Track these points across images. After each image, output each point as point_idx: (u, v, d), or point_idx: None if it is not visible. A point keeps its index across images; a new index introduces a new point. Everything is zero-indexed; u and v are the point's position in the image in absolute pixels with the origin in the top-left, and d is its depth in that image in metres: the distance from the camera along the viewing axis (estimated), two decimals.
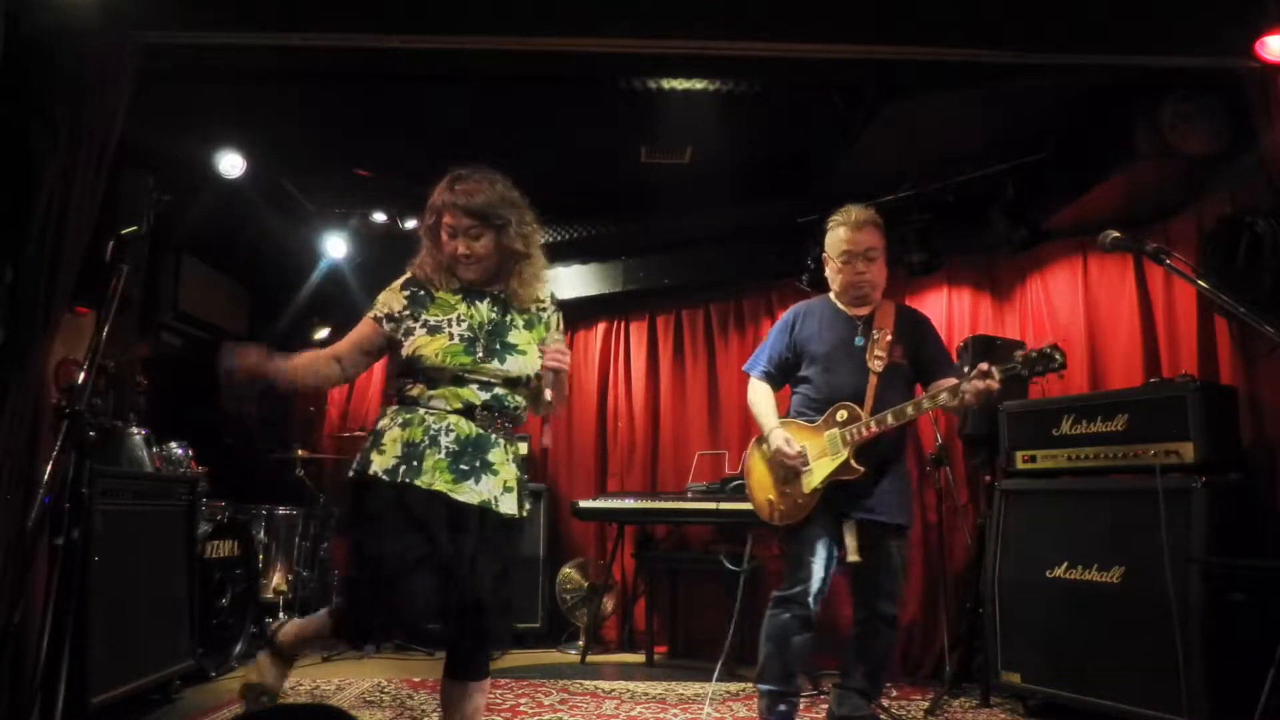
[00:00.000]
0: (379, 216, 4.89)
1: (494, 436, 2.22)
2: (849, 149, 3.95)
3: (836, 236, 3.02)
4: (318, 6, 2.88)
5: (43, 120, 2.67)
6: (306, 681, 4.03)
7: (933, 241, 4.24)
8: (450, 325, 2.22)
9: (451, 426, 2.16)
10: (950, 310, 4.58)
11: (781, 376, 3.12)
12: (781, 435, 2.94)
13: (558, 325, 2.39)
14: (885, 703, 3.68)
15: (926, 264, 4.25)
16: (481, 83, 3.60)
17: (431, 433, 2.14)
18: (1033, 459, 3.61)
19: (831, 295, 3.11)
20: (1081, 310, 4.13)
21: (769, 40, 2.93)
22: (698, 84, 3.57)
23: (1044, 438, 3.57)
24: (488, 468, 2.18)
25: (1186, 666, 2.81)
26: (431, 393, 2.19)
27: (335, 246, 5.10)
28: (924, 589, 4.35)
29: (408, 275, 2.33)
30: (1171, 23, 2.86)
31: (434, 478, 2.10)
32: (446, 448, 2.14)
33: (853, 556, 2.89)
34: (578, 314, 5.79)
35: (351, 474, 2.20)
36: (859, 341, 2.98)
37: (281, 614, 4.61)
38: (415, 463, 2.11)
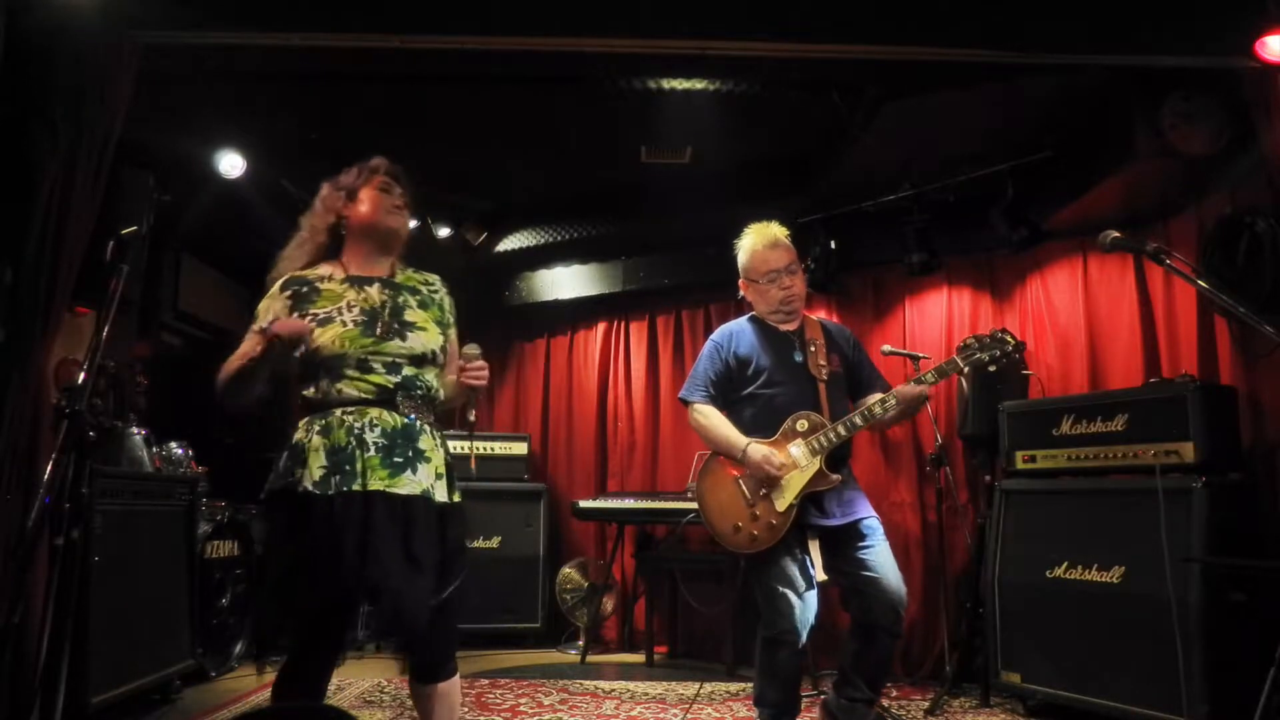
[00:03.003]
0: None
1: (419, 423, 2.12)
2: (849, 149, 3.95)
3: (759, 258, 2.99)
4: (318, 6, 2.88)
5: (43, 120, 2.67)
6: None
7: (933, 241, 4.24)
8: (340, 313, 2.11)
9: (375, 421, 2.05)
10: (950, 310, 4.57)
11: (721, 398, 3.01)
12: (760, 449, 2.81)
13: (451, 309, 2.31)
14: (885, 703, 3.68)
15: (926, 264, 4.25)
16: (481, 83, 3.60)
17: (355, 432, 2.03)
18: (1033, 459, 3.61)
19: (756, 314, 3.08)
20: (1081, 310, 4.13)
21: (769, 40, 2.93)
22: (698, 84, 3.57)
23: (1044, 438, 3.57)
24: (420, 456, 2.09)
25: (1186, 666, 2.81)
26: (338, 385, 2.07)
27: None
28: (924, 589, 4.35)
29: (285, 277, 2.19)
30: (1171, 23, 2.85)
31: (369, 478, 2.01)
32: (375, 444, 2.03)
33: (820, 576, 2.82)
34: (578, 314, 5.81)
35: (271, 490, 2.06)
36: (798, 356, 2.95)
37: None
38: (347, 467, 2.00)
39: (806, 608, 2.79)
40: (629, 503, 4.82)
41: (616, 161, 4.47)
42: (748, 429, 2.91)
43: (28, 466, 2.56)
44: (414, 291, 2.26)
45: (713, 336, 3.11)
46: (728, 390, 3.01)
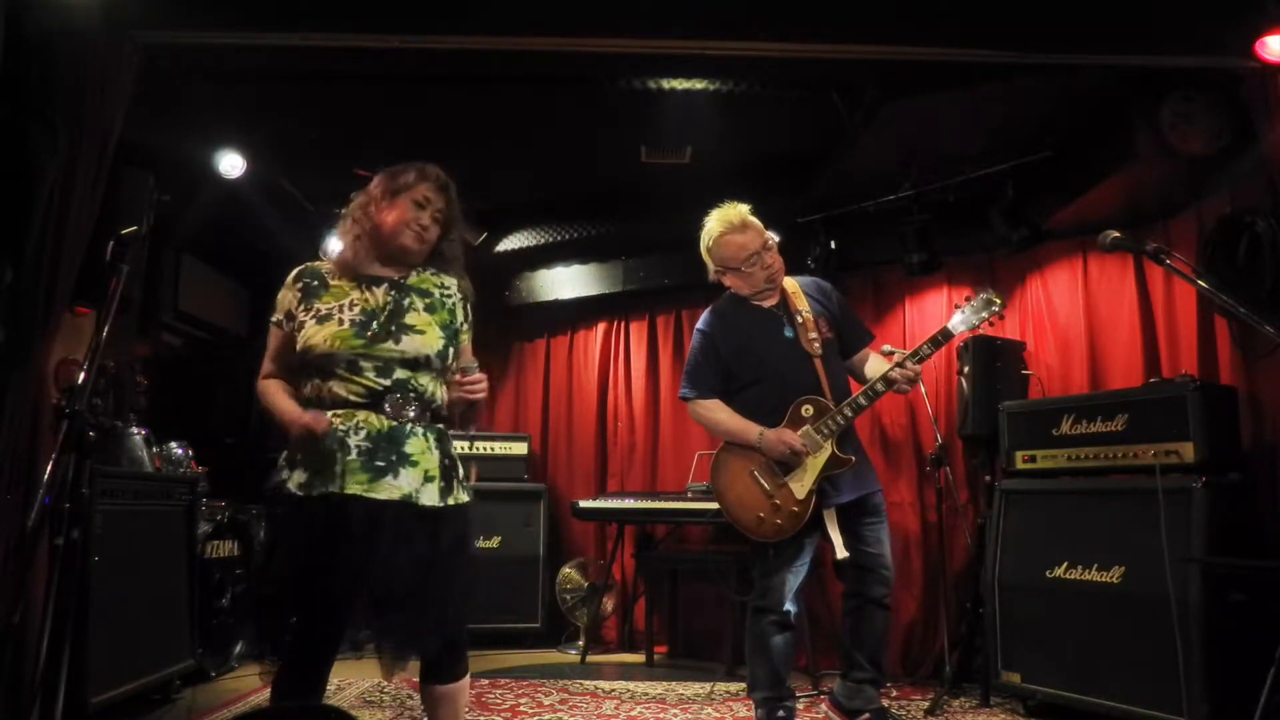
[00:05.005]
0: None
1: (409, 426, 2.09)
2: (849, 149, 3.95)
3: (734, 245, 2.97)
4: (318, 6, 2.88)
5: (43, 120, 2.67)
6: None
7: (933, 241, 4.24)
8: (340, 311, 2.12)
9: (361, 424, 2.05)
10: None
11: (722, 390, 3.01)
12: (775, 433, 2.83)
13: (466, 313, 2.28)
14: (885, 703, 3.67)
15: (926, 264, 4.25)
16: (481, 83, 3.60)
17: (339, 434, 2.03)
18: (1033, 459, 3.61)
19: (735, 295, 3.07)
20: (1081, 310, 4.12)
21: (769, 40, 2.93)
22: (698, 84, 3.56)
23: (1044, 438, 3.57)
24: (405, 460, 2.06)
25: (1186, 666, 2.81)
26: (328, 384, 2.08)
27: (335, 247, 5.09)
28: (924, 589, 4.35)
29: (300, 267, 2.23)
30: (1171, 23, 2.86)
31: (346, 481, 2.00)
32: (357, 447, 2.02)
33: (841, 553, 2.85)
34: (578, 314, 5.81)
35: (268, 489, 2.10)
36: (788, 333, 2.95)
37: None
38: (327, 470, 2.01)
39: (799, 582, 2.91)
40: (629, 503, 4.81)
41: (616, 161, 4.47)
42: (752, 417, 2.92)
43: (28, 466, 2.56)
44: (424, 294, 2.22)
45: (699, 326, 3.09)
46: (727, 380, 3.00)
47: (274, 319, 2.20)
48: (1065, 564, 3.31)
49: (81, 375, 2.17)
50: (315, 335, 2.09)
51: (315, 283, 2.19)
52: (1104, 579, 3.17)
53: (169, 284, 4.97)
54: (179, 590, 3.64)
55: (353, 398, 2.07)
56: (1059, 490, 3.48)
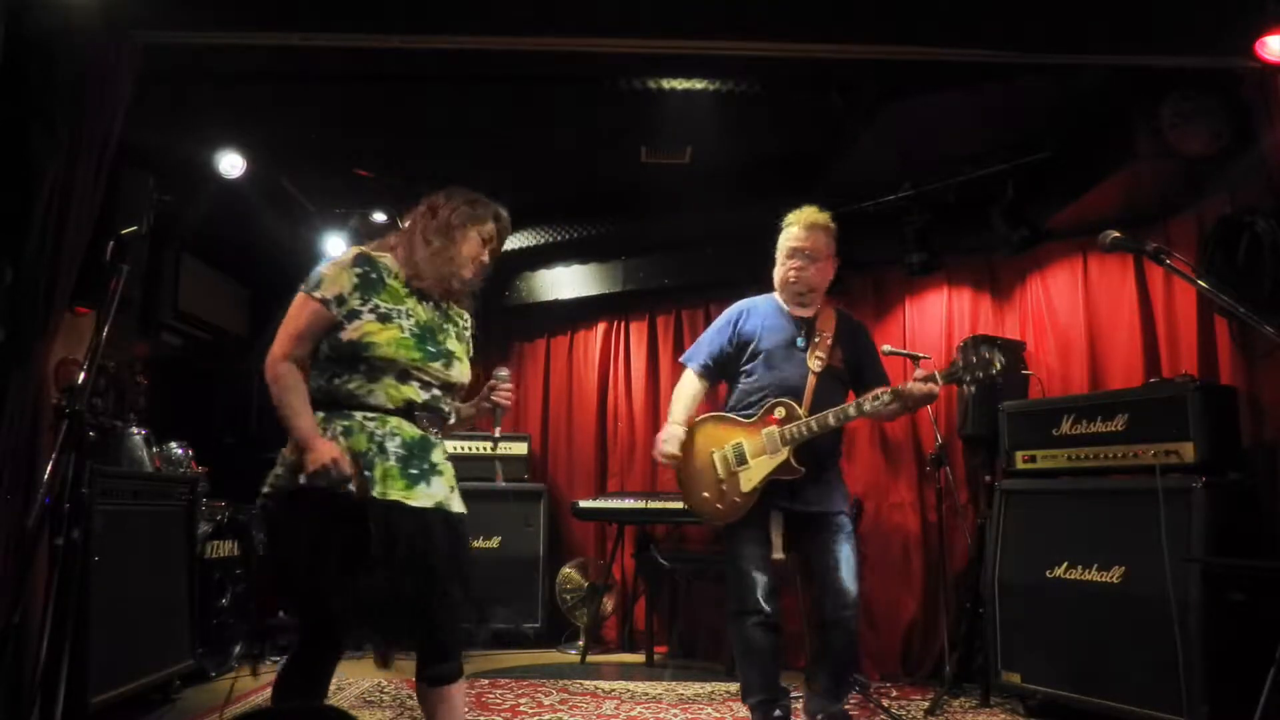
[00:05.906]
0: (379, 216, 4.88)
1: (433, 436, 2.18)
2: (849, 149, 3.95)
3: (786, 234, 3.06)
4: (318, 6, 2.89)
5: (43, 120, 2.67)
6: None
7: (933, 241, 4.24)
8: (399, 317, 2.13)
9: (395, 430, 2.09)
10: (950, 310, 4.57)
11: (719, 372, 3.12)
12: (666, 431, 3.01)
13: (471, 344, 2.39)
14: (885, 703, 3.68)
15: (926, 264, 4.25)
16: (481, 82, 3.60)
17: (377, 439, 2.06)
18: (1033, 459, 3.61)
19: (775, 295, 3.13)
20: (1081, 310, 4.12)
21: (769, 40, 2.94)
22: (698, 84, 3.57)
23: (1044, 438, 3.57)
24: (434, 469, 2.13)
25: (1186, 666, 2.81)
26: (371, 386, 2.09)
27: (335, 246, 5.10)
28: (924, 589, 4.35)
29: (358, 251, 2.17)
30: (1171, 23, 2.86)
31: (387, 487, 2.03)
32: (394, 453, 2.06)
33: (777, 554, 2.89)
34: (578, 314, 5.81)
35: (280, 489, 2.06)
36: (800, 342, 3.00)
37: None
38: (367, 473, 2.02)
39: (772, 580, 2.91)
40: (629, 503, 4.81)
41: (616, 161, 4.47)
42: (734, 404, 3.02)
43: (28, 466, 2.56)
44: (454, 323, 2.31)
45: (734, 305, 3.18)
46: (730, 364, 3.08)
47: (318, 295, 2.09)
48: (1065, 564, 3.31)
49: (81, 375, 2.17)
50: (379, 335, 2.08)
51: (374, 275, 2.15)
52: (1104, 579, 3.17)
53: (169, 284, 4.95)
54: (179, 590, 3.64)
55: (391, 405, 2.11)
56: (1059, 490, 3.48)
